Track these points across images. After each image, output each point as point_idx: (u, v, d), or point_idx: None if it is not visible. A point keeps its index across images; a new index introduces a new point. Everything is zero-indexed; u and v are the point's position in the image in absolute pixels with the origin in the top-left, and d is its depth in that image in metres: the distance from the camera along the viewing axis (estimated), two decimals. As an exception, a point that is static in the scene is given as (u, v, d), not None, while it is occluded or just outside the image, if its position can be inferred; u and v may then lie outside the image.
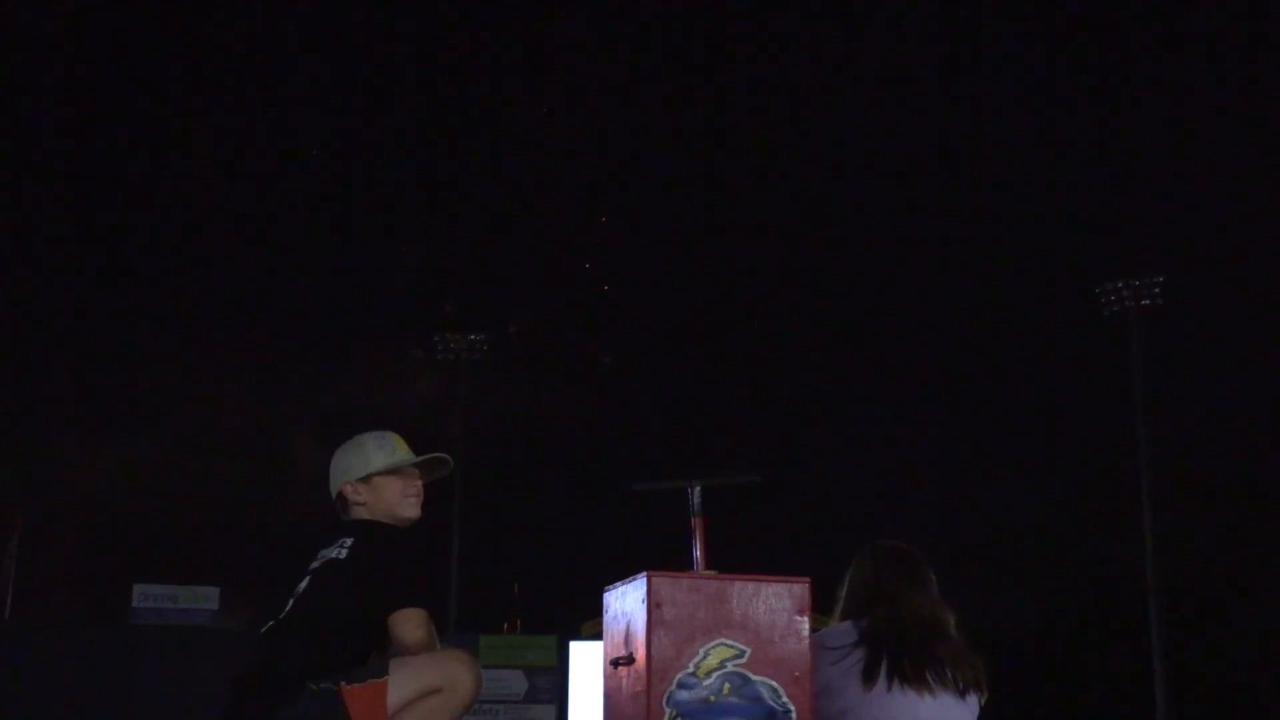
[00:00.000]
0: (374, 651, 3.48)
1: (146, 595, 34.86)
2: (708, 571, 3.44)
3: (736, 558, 3.54)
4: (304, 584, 3.66)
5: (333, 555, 3.65)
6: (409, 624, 3.40)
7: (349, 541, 3.66)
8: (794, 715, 3.29)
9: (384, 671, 3.35)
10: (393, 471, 3.84)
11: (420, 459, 3.89)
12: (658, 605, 3.27)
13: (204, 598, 35.10)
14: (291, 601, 3.64)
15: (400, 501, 3.84)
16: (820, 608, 3.49)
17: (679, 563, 3.48)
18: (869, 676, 3.62)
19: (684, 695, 3.23)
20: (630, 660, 3.36)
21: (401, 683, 3.34)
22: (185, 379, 52.78)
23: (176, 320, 60.22)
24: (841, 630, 3.76)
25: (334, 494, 3.85)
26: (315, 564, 3.69)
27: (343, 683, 3.33)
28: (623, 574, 3.50)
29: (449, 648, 3.53)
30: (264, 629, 3.64)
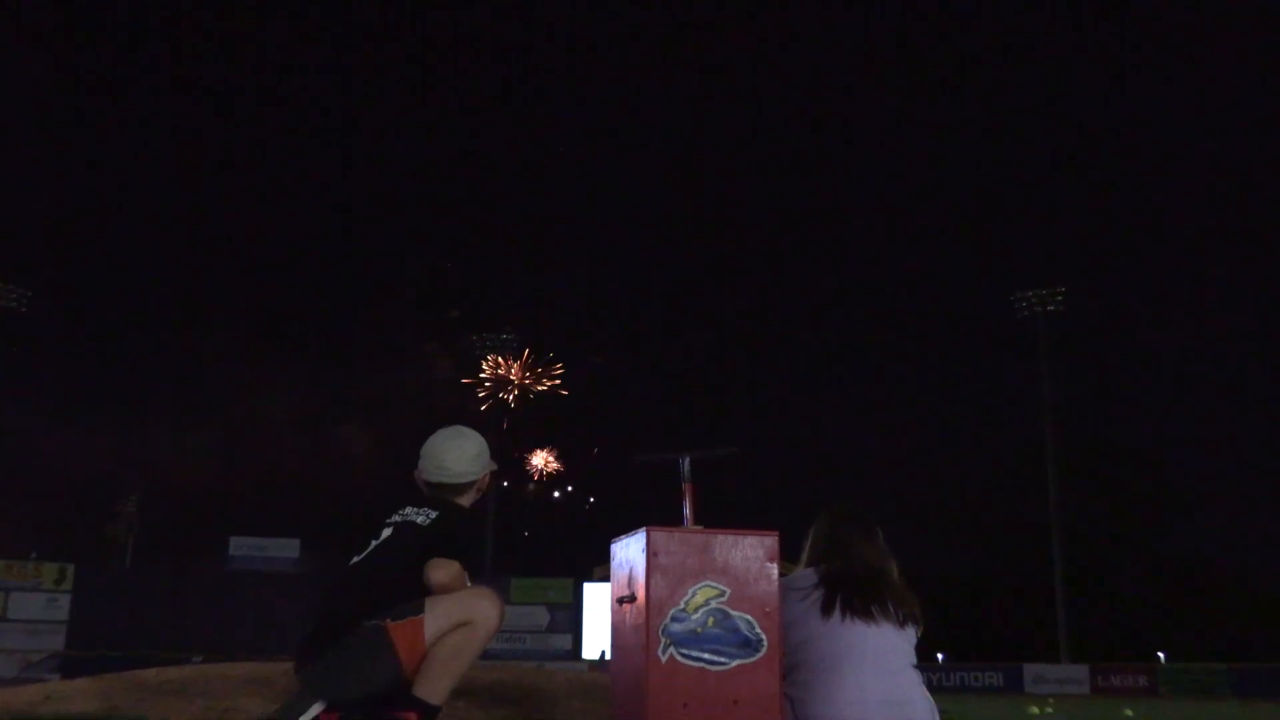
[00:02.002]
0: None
1: (240, 545, 35.00)
2: (696, 527, 3.42)
3: (719, 516, 3.52)
4: (386, 534, 3.60)
5: (416, 519, 3.59)
6: (440, 569, 3.37)
7: (433, 514, 3.60)
8: (765, 643, 3.27)
9: (421, 609, 3.33)
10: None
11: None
12: (655, 554, 3.26)
13: (287, 547, 35.24)
14: (373, 544, 3.59)
15: (482, 493, 3.88)
16: (788, 556, 3.48)
17: (672, 520, 3.46)
18: (826, 611, 3.62)
19: (676, 627, 3.21)
20: (632, 598, 3.35)
21: (436, 617, 3.31)
22: (269, 374, 52.85)
23: (261, 329, 60.28)
24: (805, 574, 3.76)
25: (468, 475, 3.75)
26: (397, 518, 3.62)
27: (388, 620, 3.31)
28: (626, 529, 3.49)
29: (476, 586, 3.51)
30: (349, 563, 3.60)
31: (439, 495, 3.72)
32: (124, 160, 67.65)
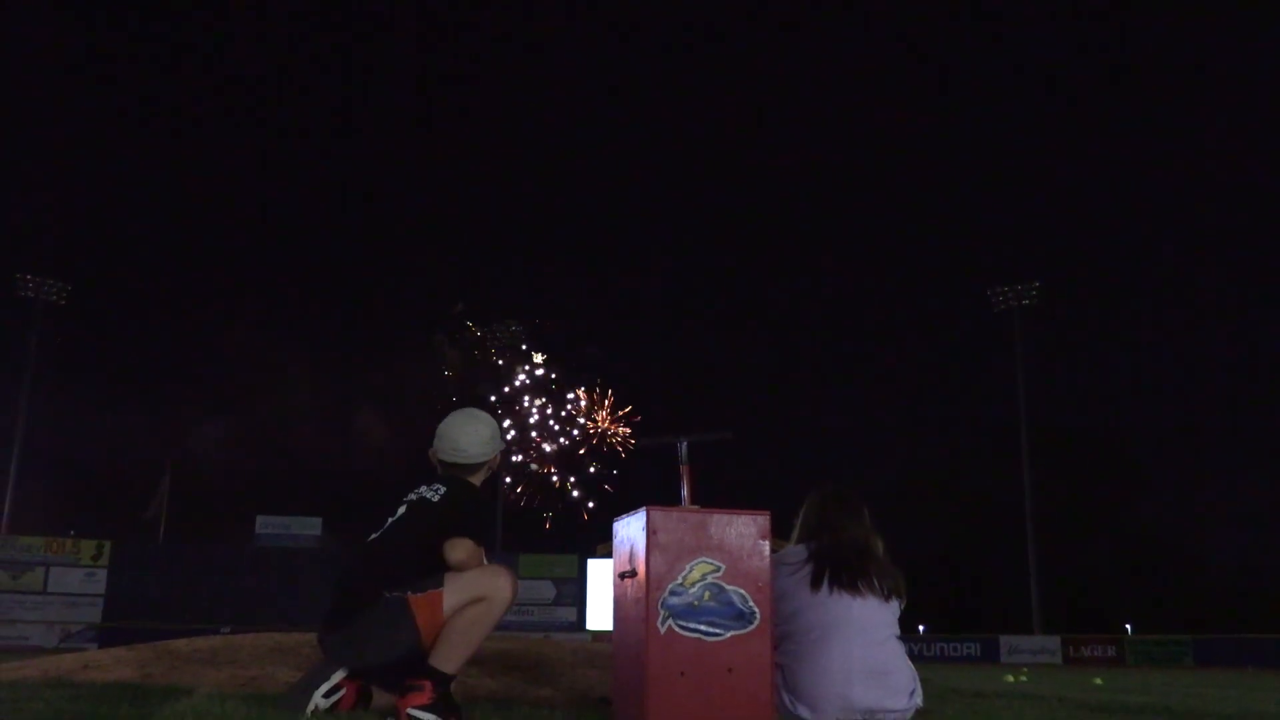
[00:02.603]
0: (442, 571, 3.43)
1: (266, 524, 34.94)
2: (692, 506, 3.42)
3: (714, 496, 3.52)
4: (400, 511, 3.61)
5: (428, 496, 3.59)
6: (458, 549, 3.38)
7: (442, 490, 3.61)
8: (758, 615, 3.27)
9: (441, 584, 3.34)
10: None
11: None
12: (654, 532, 3.25)
13: (310, 525, 35.20)
14: (389, 521, 3.59)
15: (492, 472, 3.89)
16: (779, 534, 3.47)
17: (670, 500, 3.46)
18: (816, 584, 3.63)
19: (674, 600, 3.21)
20: (633, 574, 3.34)
21: (454, 591, 3.32)
22: (292, 364, 52.89)
23: (285, 321, 60.39)
24: (796, 550, 3.76)
25: (480, 456, 3.74)
26: (412, 497, 3.62)
27: (409, 593, 3.32)
28: (628, 508, 3.48)
29: (492, 564, 3.51)
30: (366, 540, 3.61)
31: (452, 474, 3.72)
32: (156, 163, 67.57)
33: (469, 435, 3.74)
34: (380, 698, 3.52)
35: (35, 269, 38.36)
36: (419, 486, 3.66)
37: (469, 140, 72.71)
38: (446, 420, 3.81)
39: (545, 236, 68.14)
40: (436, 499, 3.56)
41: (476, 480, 3.75)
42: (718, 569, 3.27)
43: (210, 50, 70.97)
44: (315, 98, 73.76)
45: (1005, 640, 34.63)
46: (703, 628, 3.21)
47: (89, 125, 67.07)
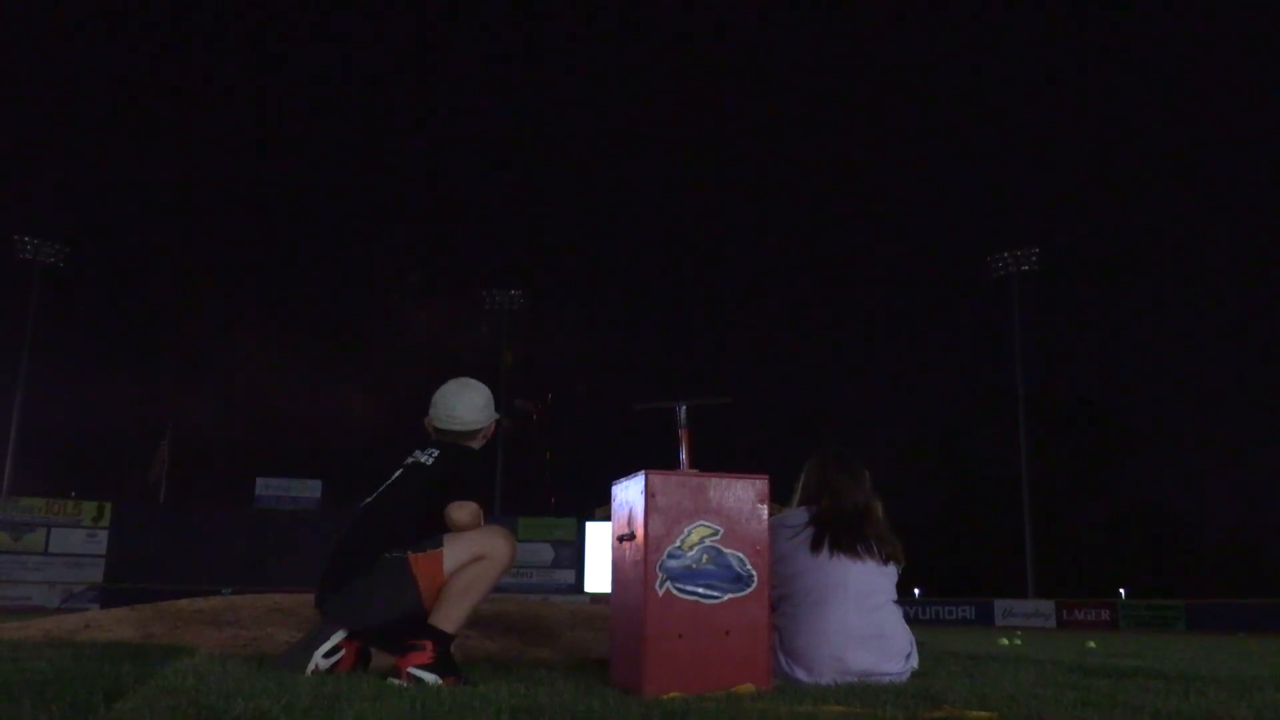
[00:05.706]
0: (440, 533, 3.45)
1: (266, 486, 35.09)
2: (691, 470, 3.42)
3: (713, 459, 3.51)
4: (396, 474, 3.63)
5: (422, 460, 3.62)
6: (461, 510, 3.42)
7: (436, 453, 3.63)
8: (755, 578, 3.28)
9: (440, 544, 3.36)
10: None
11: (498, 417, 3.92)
12: (653, 495, 3.25)
13: (310, 488, 35.35)
14: (384, 486, 3.62)
15: (487, 440, 3.87)
16: (776, 498, 3.47)
17: (669, 463, 3.46)
18: (816, 547, 3.64)
19: (673, 563, 3.22)
20: (632, 537, 3.35)
21: (454, 551, 3.35)
22: (291, 329, 52.85)
23: (285, 284, 60.28)
24: (797, 514, 3.76)
25: (475, 424, 3.75)
26: (408, 460, 3.66)
27: (410, 552, 3.34)
28: (627, 472, 3.48)
29: (491, 524, 3.53)
30: (362, 504, 3.63)
31: (446, 441, 3.73)
32: (155, 127, 67.08)
33: (463, 403, 3.75)
34: (379, 658, 3.54)
35: (35, 231, 38.27)
36: (414, 451, 3.68)
37: (460, 104, 72.21)
38: (441, 388, 3.81)
39: (540, 200, 67.90)
40: (430, 462, 3.58)
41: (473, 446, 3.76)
42: (716, 532, 3.27)
43: (212, 17, 70.29)
44: (313, 68, 73.17)
45: (1000, 604, 34.87)
46: (700, 590, 3.22)
47: (89, 86, 66.54)
